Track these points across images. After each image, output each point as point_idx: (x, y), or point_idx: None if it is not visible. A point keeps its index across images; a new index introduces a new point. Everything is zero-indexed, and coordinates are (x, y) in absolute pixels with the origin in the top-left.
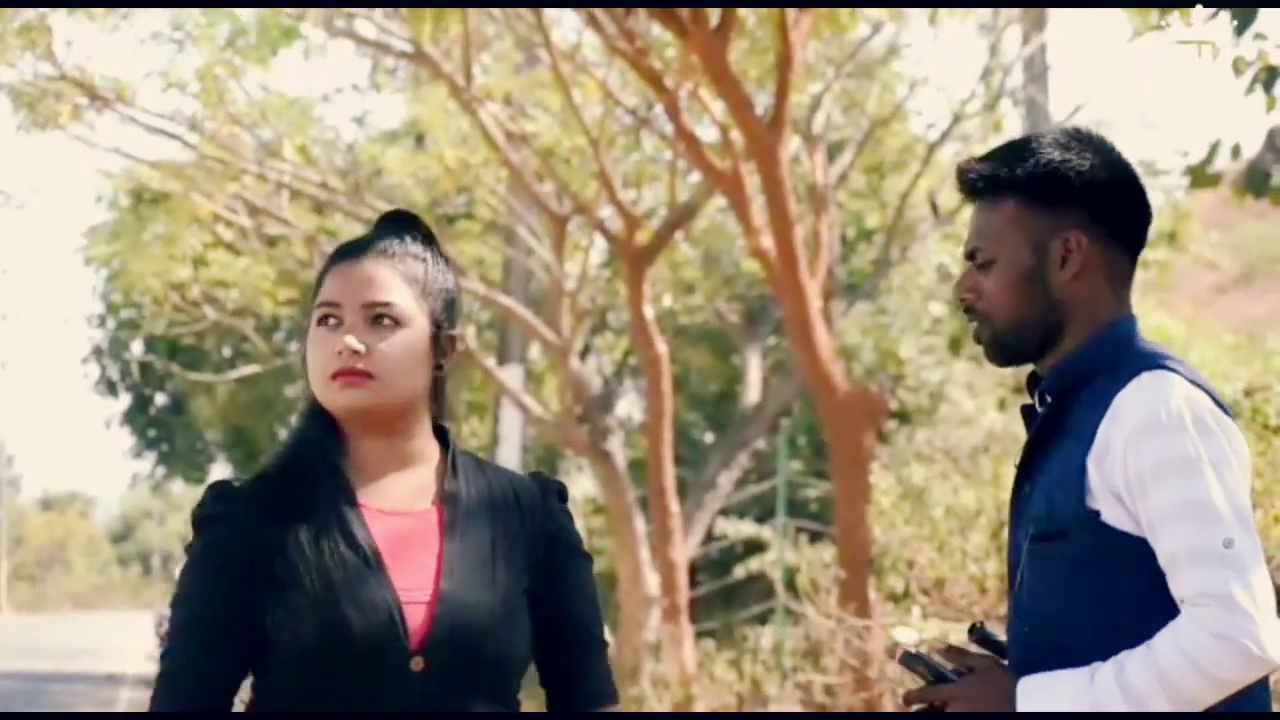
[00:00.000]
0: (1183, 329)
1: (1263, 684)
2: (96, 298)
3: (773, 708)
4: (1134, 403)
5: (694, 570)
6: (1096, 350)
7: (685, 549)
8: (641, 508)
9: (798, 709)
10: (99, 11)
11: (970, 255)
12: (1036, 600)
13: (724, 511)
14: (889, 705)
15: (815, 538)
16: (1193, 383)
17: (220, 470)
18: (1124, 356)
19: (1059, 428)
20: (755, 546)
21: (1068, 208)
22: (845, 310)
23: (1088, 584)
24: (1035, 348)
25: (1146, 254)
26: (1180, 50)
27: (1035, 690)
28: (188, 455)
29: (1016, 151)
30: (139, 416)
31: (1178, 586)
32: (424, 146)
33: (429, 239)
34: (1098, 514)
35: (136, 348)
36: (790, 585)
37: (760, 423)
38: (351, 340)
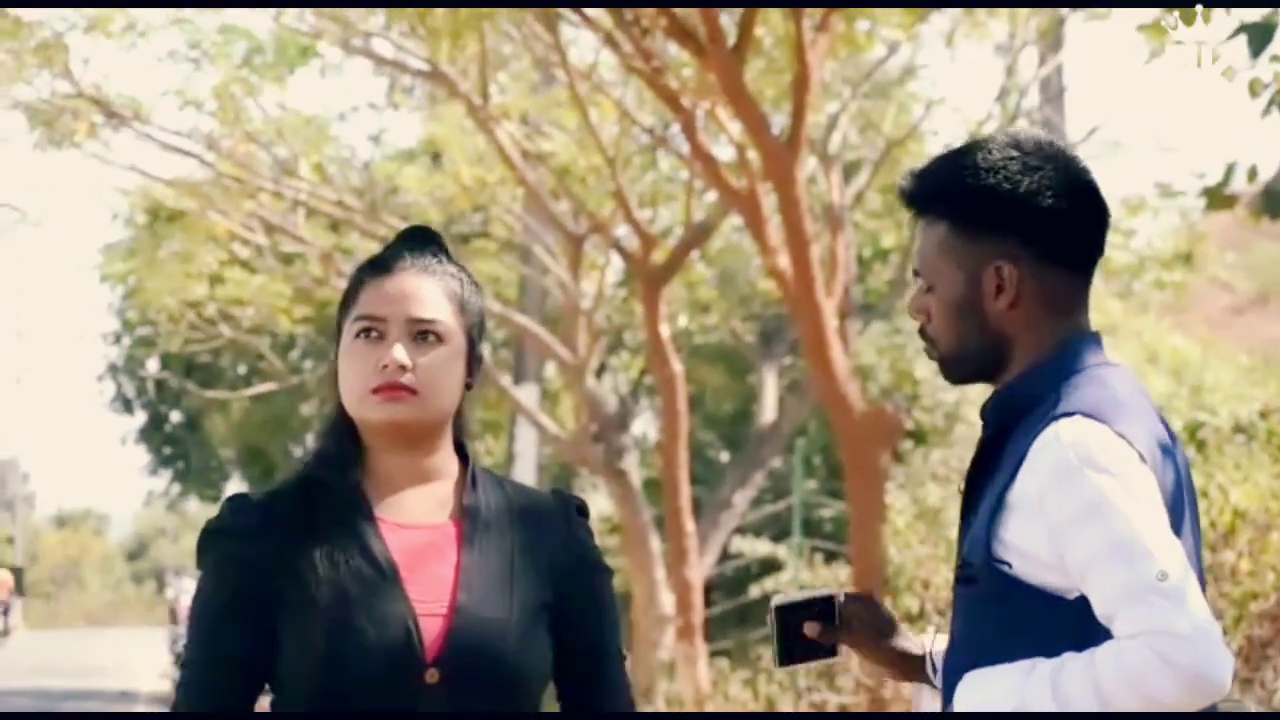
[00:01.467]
0: (1198, 350)
1: None
2: (112, 315)
3: None
4: (1045, 454)
5: (709, 589)
6: (1035, 381)
7: (700, 568)
8: (657, 527)
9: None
10: (115, 29)
11: (916, 274)
12: (954, 641)
13: (739, 530)
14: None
15: (830, 557)
16: (1117, 431)
17: (235, 487)
18: (1061, 391)
19: (996, 461)
20: (770, 566)
21: (997, 234)
22: (861, 330)
23: (987, 635)
24: (983, 373)
25: (1162, 275)
26: (1196, 72)
27: (974, 681)
28: (203, 472)
29: (949, 168)
30: (154, 434)
31: (1119, 628)
32: (440, 165)
33: (452, 256)
34: (1008, 565)
35: (152, 365)
36: None
37: (775, 442)
38: (401, 355)
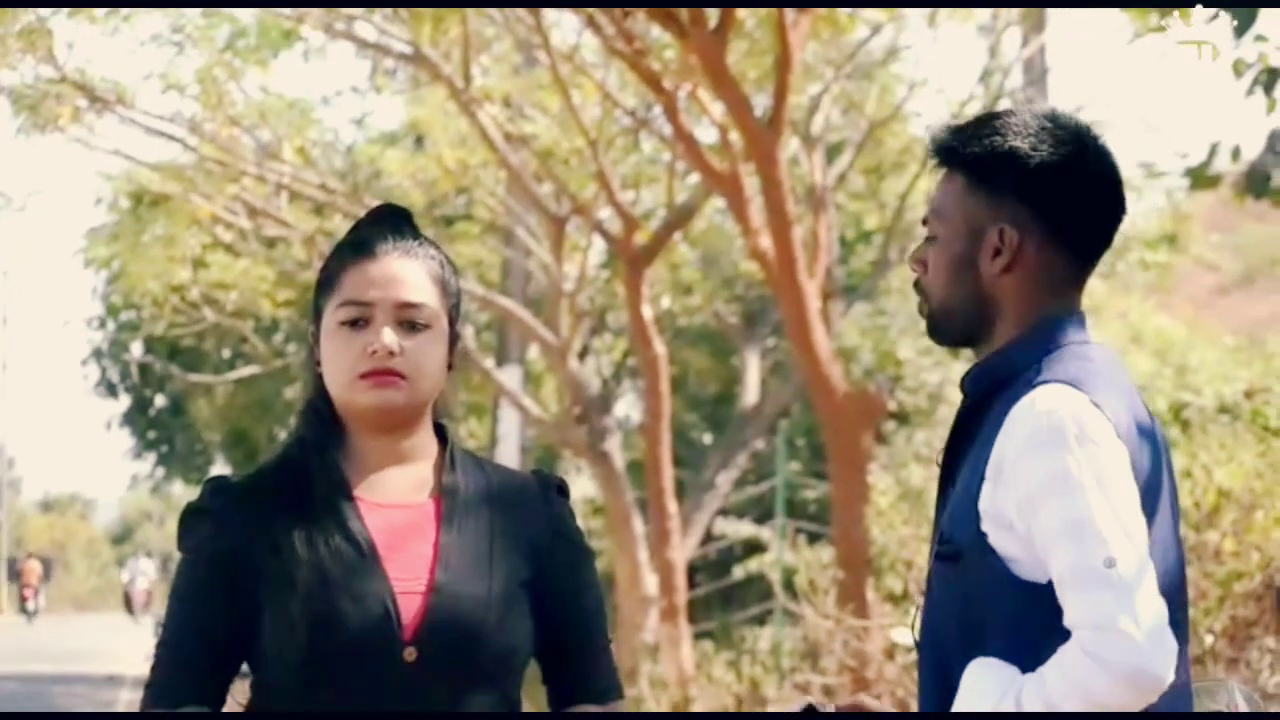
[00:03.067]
0: (1183, 331)
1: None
2: (96, 300)
3: (771, 709)
4: (1021, 420)
5: (692, 571)
6: (1019, 352)
7: (684, 550)
8: (640, 508)
9: (796, 710)
10: (99, 13)
11: (924, 224)
12: (931, 619)
13: (722, 512)
14: (888, 705)
15: (814, 539)
16: (1094, 401)
17: (220, 471)
18: (1042, 363)
19: (975, 433)
20: (754, 547)
21: (1010, 197)
22: (844, 311)
23: (969, 613)
24: (965, 335)
25: (1147, 255)
26: (1180, 52)
27: (969, 678)
28: (187, 456)
29: (980, 127)
30: (139, 418)
31: (1065, 614)
32: (423, 148)
33: (425, 235)
34: (987, 536)
35: (136, 349)
36: (789, 586)
37: (759, 424)
38: (390, 340)
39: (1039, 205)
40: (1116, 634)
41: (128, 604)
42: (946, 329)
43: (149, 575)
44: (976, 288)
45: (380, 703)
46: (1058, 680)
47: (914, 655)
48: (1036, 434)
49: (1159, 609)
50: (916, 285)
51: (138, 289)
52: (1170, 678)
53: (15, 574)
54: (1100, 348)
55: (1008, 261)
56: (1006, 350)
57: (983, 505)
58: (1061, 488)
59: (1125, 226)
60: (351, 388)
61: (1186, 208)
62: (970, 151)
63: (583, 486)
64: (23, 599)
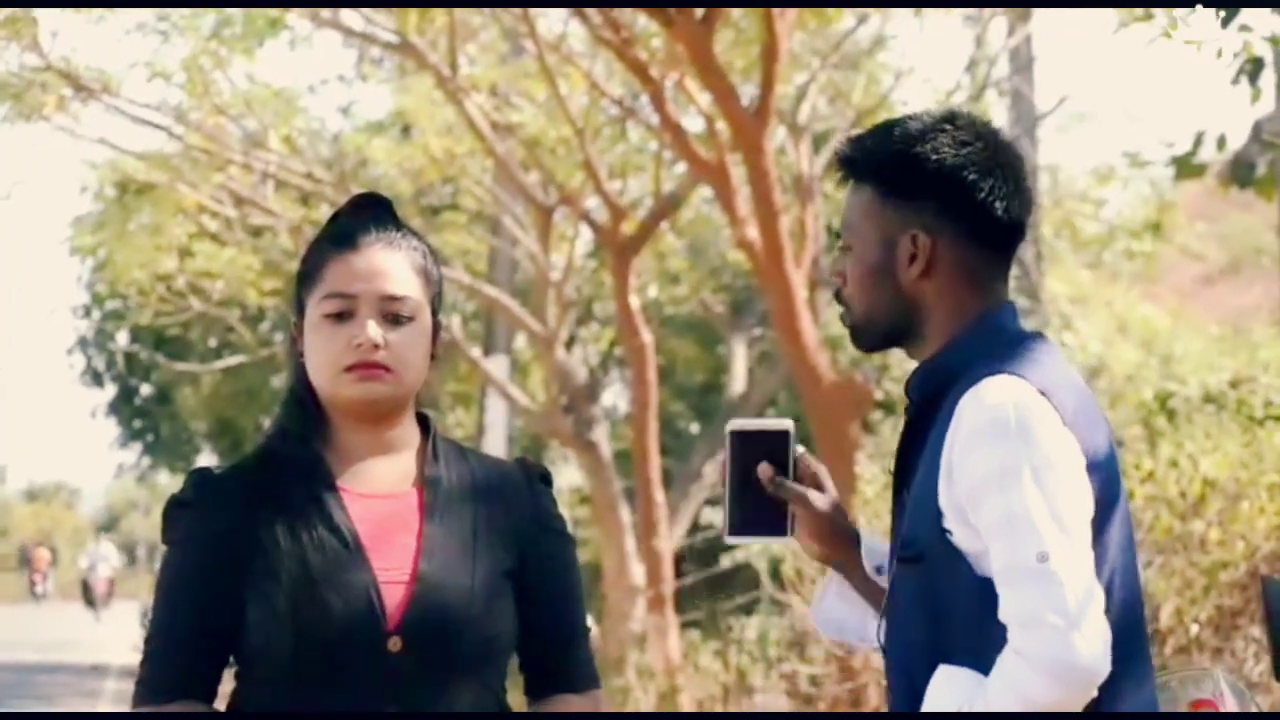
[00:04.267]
0: (1168, 320)
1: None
2: (82, 288)
3: (758, 698)
4: (968, 413)
5: (679, 560)
6: (957, 352)
7: (670, 539)
8: (627, 498)
9: (783, 699)
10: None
11: (838, 237)
12: (895, 623)
13: (710, 501)
14: (874, 696)
15: None
16: (1040, 389)
17: (205, 460)
18: (985, 357)
19: (927, 435)
20: None
21: (919, 202)
22: (830, 301)
23: (934, 614)
24: (889, 340)
25: (1132, 245)
26: (1165, 41)
27: (932, 690)
28: (173, 445)
29: (879, 136)
30: (124, 407)
31: (999, 611)
32: (409, 137)
33: (405, 224)
34: (950, 533)
35: (122, 338)
36: (775, 575)
37: (746, 413)
38: (375, 333)
39: (947, 206)
40: (1043, 629)
41: (86, 596)
42: (870, 338)
43: (111, 562)
44: (897, 295)
45: (365, 692)
46: (997, 684)
47: None
48: (979, 427)
49: (1091, 602)
50: (837, 296)
51: (123, 278)
52: (1104, 670)
53: (25, 561)
54: (1038, 336)
55: (924, 266)
56: (947, 350)
57: (942, 503)
58: (999, 482)
59: (1110, 216)
60: (336, 380)
61: (1172, 197)
62: (873, 161)
63: (570, 476)
64: (32, 583)
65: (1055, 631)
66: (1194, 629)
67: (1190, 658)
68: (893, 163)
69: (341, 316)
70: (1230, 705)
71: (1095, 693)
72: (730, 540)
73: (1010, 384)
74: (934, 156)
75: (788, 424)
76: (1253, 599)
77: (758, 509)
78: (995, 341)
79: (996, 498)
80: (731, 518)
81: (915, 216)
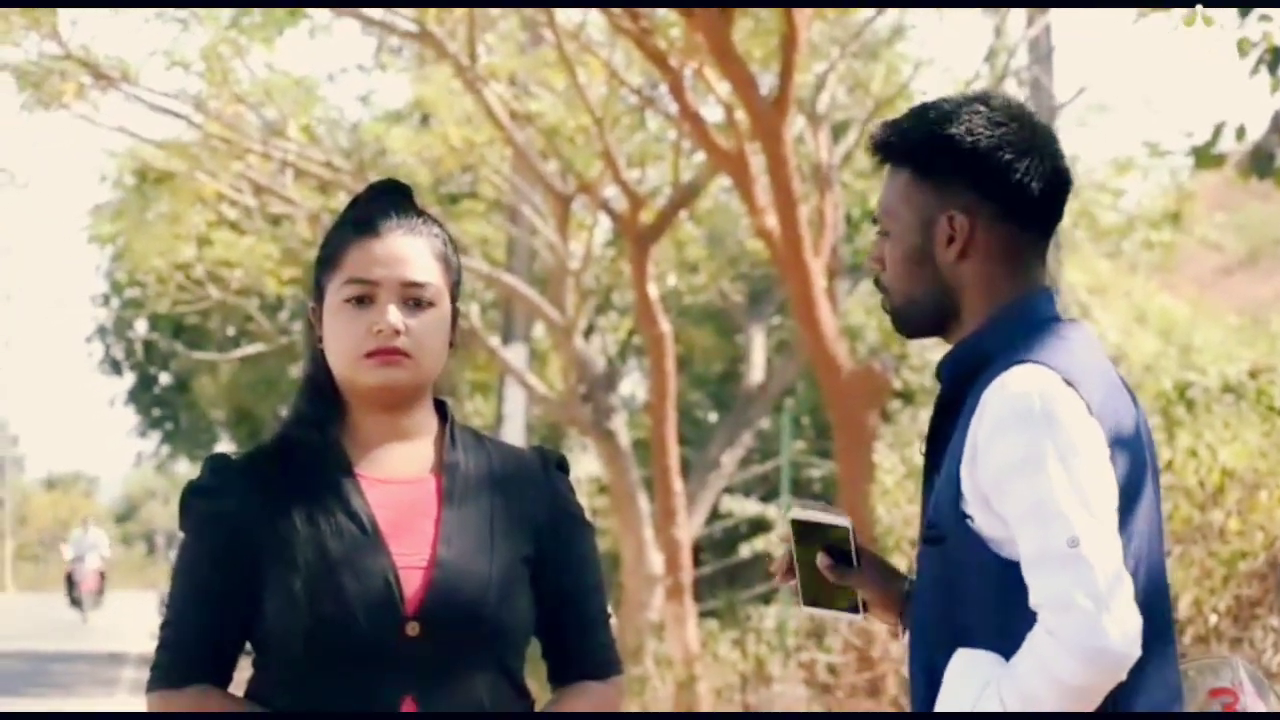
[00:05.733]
0: (1187, 310)
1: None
2: (101, 277)
3: (776, 688)
4: (992, 402)
5: (698, 549)
6: (991, 336)
7: (689, 528)
8: (645, 487)
9: (801, 689)
10: None
11: (876, 222)
12: (918, 602)
13: (728, 490)
14: (892, 685)
15: None
16: (1067, 379)
17: (224, 449)
18: (1016, 344)
19: (955, 418)
20: (759, 526)
21: (955, 184)
22: (849, 290)
23: (954, 596)
24: (930, 326)
25: (1151, 235)
26: (1185, 31)
27: (951, 673)
28: (192, 434)
29: (914, 119)
30: (143, 395)
31: (1030, 596)
32: (428, 126)
33: (426, 211)
34: (970, 519)
35: (141, 327)
36: None
37: (764, 402)
38: (396, 319)
39: (983, 187)
40: (1075, 612)
41: (70, 593)
42: (912, 323)
43: (101, 551)
44: (936, 278)
45: (383, 677)
46: (1027, 665)
47: None
48: (1003, 416)
49: (1121, 586)
50: (876, 282)
51: (142, 266)
52: (1135, 654)
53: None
54: (1075, 324)
55: (961, 247)
56: (979, 334)
57: (964, 487)
58: (1026, 469)
59: (1129, 206)
60: (356, 366)
61: (1191, 187)
62: (909, 144)
63: (588, 465)
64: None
65: (1087, 615)
66: (1213, 619)
67: (1209, 647)
68: (928, 144)
69: (362, 302)
70: (1249, 694)
71: (1124, 676)
72: (805, 611)
73: (1036, 373)
74: (969, 137)
75: (846, 521)
76: (1271, 589)
77: (824, 586)
78: (1028, 328)
79: (1023, 485)
80: (805, 594)
81: (952, 198)
